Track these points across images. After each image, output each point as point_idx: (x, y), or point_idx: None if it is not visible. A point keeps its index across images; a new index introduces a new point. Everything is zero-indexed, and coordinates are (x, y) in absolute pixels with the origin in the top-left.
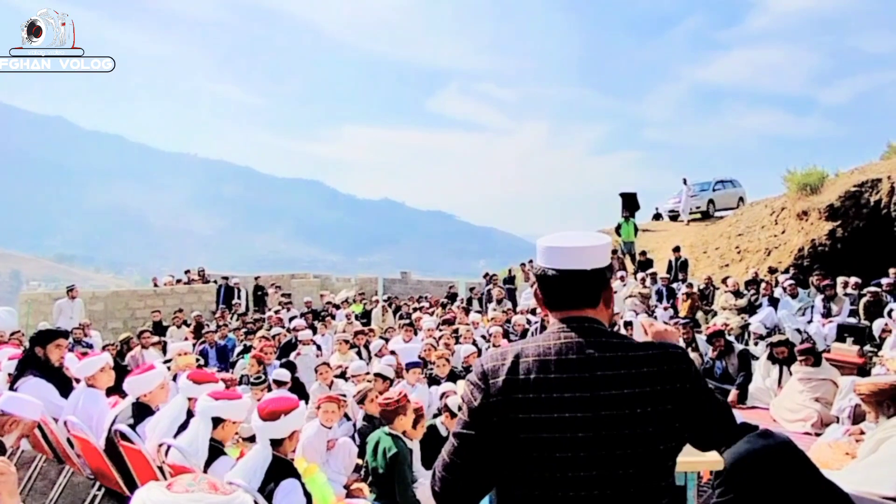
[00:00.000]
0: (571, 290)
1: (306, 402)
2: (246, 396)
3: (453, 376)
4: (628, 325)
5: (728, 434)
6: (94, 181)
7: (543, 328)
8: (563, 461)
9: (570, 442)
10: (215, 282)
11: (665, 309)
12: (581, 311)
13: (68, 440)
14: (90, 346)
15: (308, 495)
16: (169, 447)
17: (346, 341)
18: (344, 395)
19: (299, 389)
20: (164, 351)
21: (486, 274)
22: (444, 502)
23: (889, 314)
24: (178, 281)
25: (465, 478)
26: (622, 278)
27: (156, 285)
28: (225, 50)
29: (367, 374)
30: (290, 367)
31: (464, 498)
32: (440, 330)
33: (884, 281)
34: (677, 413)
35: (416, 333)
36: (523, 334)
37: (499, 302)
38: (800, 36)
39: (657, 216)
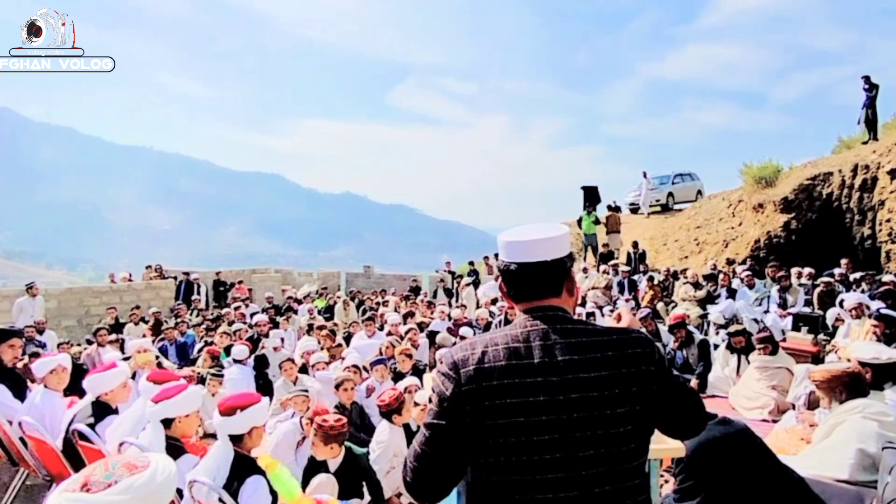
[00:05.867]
0: (534, 282)
1: (270, 398)
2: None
3: (417, 371)
4: (590, 315)
5: (698, 421)
6: (44, 175)
7: (507, 321)
8: (538, 444)
9: (544, 425)
10: (174, 278)
11: (627, 300)
12: (545, 300)
13: (22, 441)
14: (43, 346)
15: (273, 492)
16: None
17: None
18: (306, 391)
19: (266, 386)
20: (122, 349)
21: (448, 263)
22: (416, 492)
23: (841, 304)
24: (131, 276)
25: (436, 467)
26: (584, 270)
27: (113, 282)
28: (181, 42)
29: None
30: (262, 362)
31: (435, 487)
32: (405, 324)
33: (836, 271)
34: (642, 395)
35: (381, 328)
36: (486, 327)
37: (451, 296)
38: (752, 33)
39: (616, 209)
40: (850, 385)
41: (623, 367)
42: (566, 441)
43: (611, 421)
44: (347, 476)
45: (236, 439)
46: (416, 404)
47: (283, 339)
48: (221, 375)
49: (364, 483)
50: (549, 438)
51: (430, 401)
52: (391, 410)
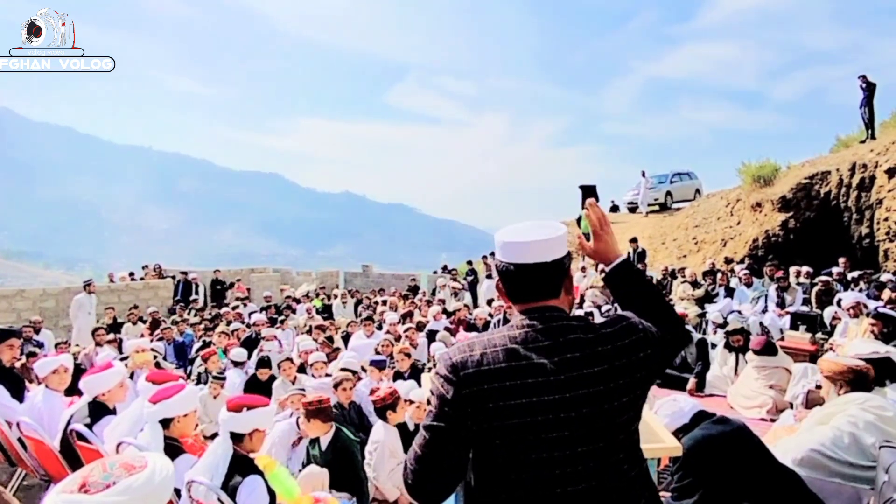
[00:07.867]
0: (532, 283)
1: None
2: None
3: (416, 370)
4: (589, 314)
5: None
6: (42, 174)
7: (506, 320)
8: (547, 442)
9: (552, 423)
10: (173, 277)
11: None
12: (544, 301)
13: (20, 441)
14: (40, 345)
15: (271, 492)
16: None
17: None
18: (303, 390)
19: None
20: (120, 348)
21: (444, 267)
22: (417, 494)
23: (838, 303)
24: (131, 275)
25: (437, 469)
26: (583, 269)
27: (112, 281)
28: (179, 41)
29: (326, 363)
30: (264, 364)
31: (437, 489)
32: (403, 324)
33: (834, 270)
34: (646, 378)
35: (379, 328)
36: (485, 326)
37: (455, 294)
38: (749, 32)
39: (614, 208)
40: (854, 381)
41: (624, 357)
42: (575, 437)
43: (616, 412)
44: (335, 453)
45: (237, 438)
46: (412, 402)
47: (280, 343)
48: (224, 378)
49: (351, 473)
50: (557, 436)
51: (429, 402)
52: (386, 406)
